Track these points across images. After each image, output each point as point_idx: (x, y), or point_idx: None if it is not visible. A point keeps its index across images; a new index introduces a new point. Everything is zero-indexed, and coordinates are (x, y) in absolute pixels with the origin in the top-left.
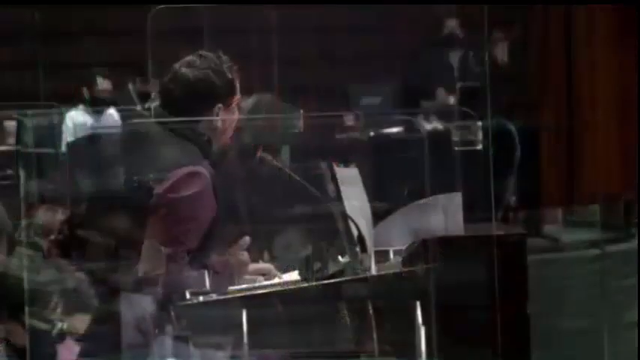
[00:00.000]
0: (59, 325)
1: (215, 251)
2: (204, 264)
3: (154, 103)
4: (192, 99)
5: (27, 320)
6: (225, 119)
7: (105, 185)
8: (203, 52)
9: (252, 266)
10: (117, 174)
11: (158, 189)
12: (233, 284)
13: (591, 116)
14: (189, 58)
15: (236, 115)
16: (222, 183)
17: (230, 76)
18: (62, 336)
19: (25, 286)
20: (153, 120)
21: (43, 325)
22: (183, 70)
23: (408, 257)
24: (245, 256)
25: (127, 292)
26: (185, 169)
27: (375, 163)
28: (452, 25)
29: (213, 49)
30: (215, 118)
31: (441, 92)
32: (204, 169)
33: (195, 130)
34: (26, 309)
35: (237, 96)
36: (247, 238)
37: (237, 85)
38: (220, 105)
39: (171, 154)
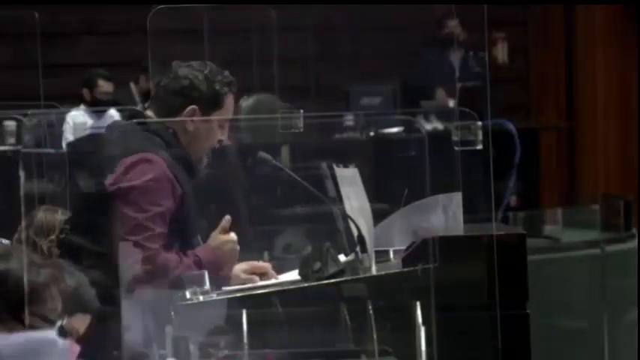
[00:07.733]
0: (59, 325)
1: (195, 243)
2: (186, 253)
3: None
4: (173, 92)
5: (27, 321)
6: (199, 125)
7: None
8: (209, 62)
9: (248, 263)
10: (95, 174)
11: (107, 180)
12: (225, 277)
13: (591, 116)
14: (194, 62)
15: (212, 132)
16: (218, 182)
17: (219, 90)
18: (62, 336)
19: (25, 286)
20: (130, 122)
21: (42, 326)
22: (180, 67)
23: (408, 257)
24: (232, 237)
25: (124, 291)
26: (131, 158)
27: (375, 163)
28: (452, 24)
29: (214, 49)
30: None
31: (440, 93)
32: (156, 155)
33: (161, 122)
34: (26, 310)
35: (221, 111)
36: (228, 217)
37: (226, 104)
38: (195, 107)
39: (128, 145)
